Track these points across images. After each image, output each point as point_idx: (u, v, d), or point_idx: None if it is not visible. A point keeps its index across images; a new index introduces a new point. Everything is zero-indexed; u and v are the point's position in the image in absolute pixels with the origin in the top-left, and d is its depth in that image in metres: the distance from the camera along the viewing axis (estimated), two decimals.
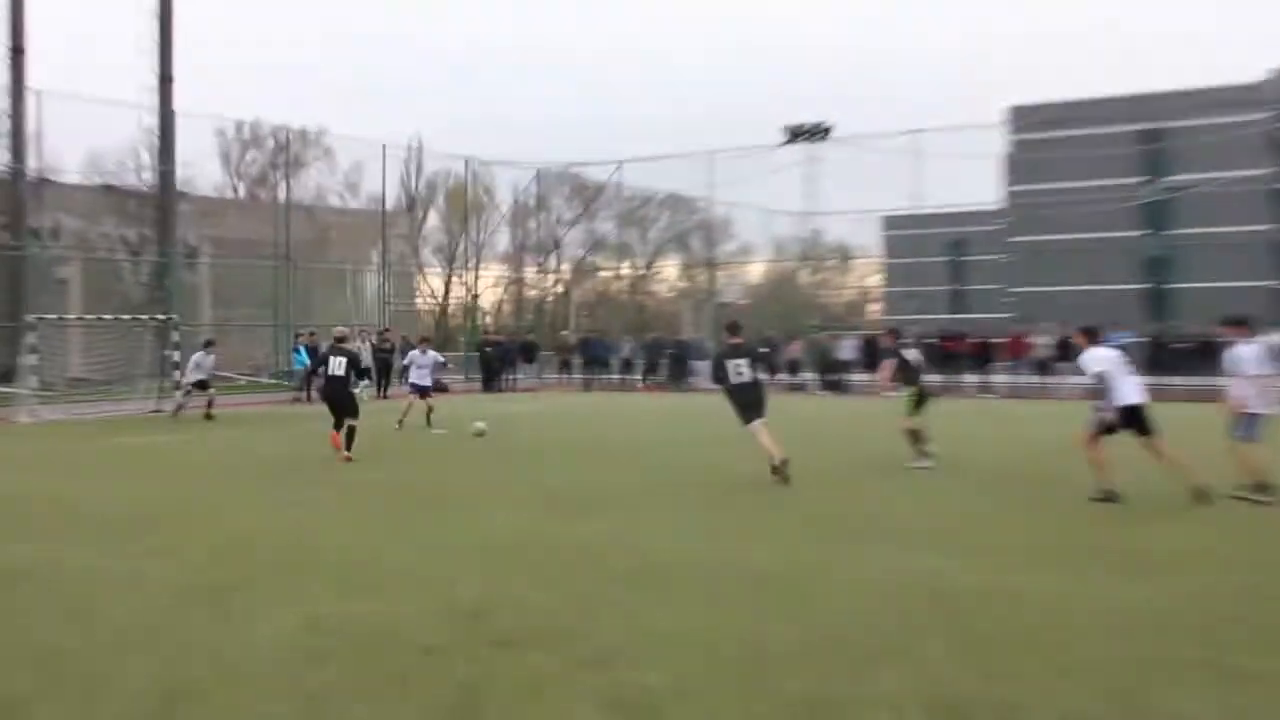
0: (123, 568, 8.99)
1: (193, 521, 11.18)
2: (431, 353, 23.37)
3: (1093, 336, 12.50)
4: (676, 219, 65.18)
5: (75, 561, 9.31)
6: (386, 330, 36.76)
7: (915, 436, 15.33)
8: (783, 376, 37.33)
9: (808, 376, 37.24)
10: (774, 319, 50.35)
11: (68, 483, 14.51)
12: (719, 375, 14.28)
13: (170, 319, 30.15)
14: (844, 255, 64.30)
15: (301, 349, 32.44)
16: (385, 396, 34.44)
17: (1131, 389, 12.07)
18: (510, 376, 39.40)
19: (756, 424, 14.01)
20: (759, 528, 10.76)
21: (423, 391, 22.66)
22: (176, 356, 29.28)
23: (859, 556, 9.34)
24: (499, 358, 38.89)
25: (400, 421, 22.22)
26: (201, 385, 26.11)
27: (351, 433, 16.99)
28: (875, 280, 74.48)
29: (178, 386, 26.88)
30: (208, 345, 26.90)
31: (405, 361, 24.35)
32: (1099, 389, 12.06)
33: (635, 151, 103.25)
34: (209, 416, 25.48)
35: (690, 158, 46.44)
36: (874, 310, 75.10)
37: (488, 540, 10.11)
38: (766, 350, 14.61)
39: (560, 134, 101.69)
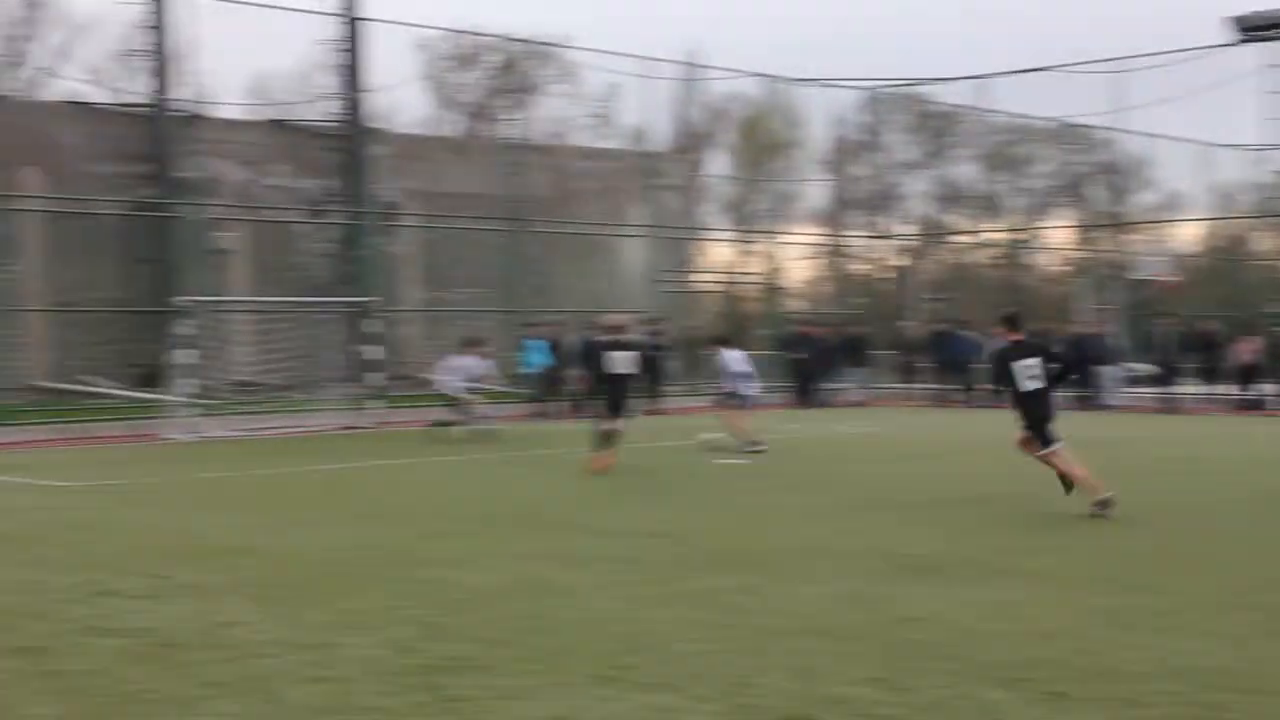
0: (309, 639, 9.40)
1: (400, 580, 11.62)
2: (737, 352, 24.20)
3: None
4: (1068, 159, 63.78)
5: (245, 628, 9.80)
6: (660, 321, 37.23)
7: None
8: (1227, 389, 36.08)
9: (1269, 390, 35.89)
10: (1216, 304, 48.66)
11: (236, 522, 15.32)
12: (1001, 380, 15.87)
13: (365, 303, 31.40)
14: None
15: (537, 344, 33.10)
16: (658, 411, 34.95)
17: None
18: (829, 385, 39.39)
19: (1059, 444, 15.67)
20: (1224, 612, 10.45)
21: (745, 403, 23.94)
22: (374, 353, 30.55)
23: None
24: (816, 359, 38.88)
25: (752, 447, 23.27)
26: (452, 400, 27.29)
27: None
28: None
29: (449, 399, 27.94)
30: (473, 345, 27.94)
31: (727, 364, 25.05)
32: None
33: (1006, 63, 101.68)
34: (440, 425, 26.88)
35: (1088, 70, 45.35)
36: None
37: (802, 615, 10.11)
38: (1056, 349, 16.12)
39: (899, 40, 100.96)
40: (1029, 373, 15.46)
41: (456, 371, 27.36)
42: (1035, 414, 15.59)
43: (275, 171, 41.26)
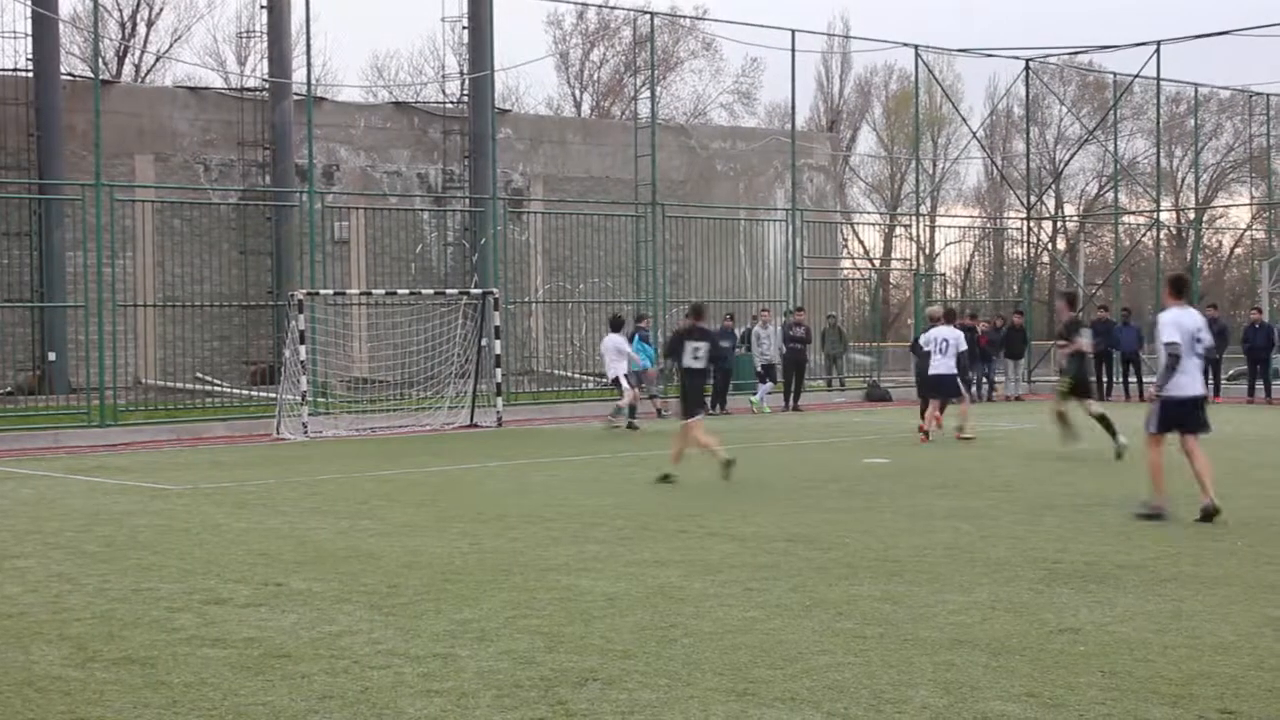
0: (425, 650, 9.52)
1: (522, 588, 11.73)
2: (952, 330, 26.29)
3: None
4: (1249, 131, 62.87)
5: (359, 638, 9.94)
6: (799, 310, 37.24)
7: (1063, 419, 22.41)
8: None
9: None
10: None
11: (351, 526, 15.54)
12: (673, 354, 20.27)
13: (488, 294, 31.66)
14: None
15: (638, 338, 32.85)
16: (798, 408, 35.02)
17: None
18: (986, 379, 39.09)
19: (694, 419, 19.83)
20: None
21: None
22: (498, 347, 30.80)
23: None
24: (970, 351, 38.61)
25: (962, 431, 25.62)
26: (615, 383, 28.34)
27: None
28: None
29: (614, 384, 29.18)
30: (620, 325, 28.94)
31: (923, 343, 26.36)
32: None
33: (1178, 28, 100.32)
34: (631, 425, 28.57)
35: (1272, 34, 44.58)
36: None
37: (951, 626, 10.10)
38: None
39: (1062, 4, 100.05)
40: (696, 352, 19.63)
41: (614, 353, 28.37)
42: (683, 390, 20.22)
43: (395, 156, 41.74)
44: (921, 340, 26.19)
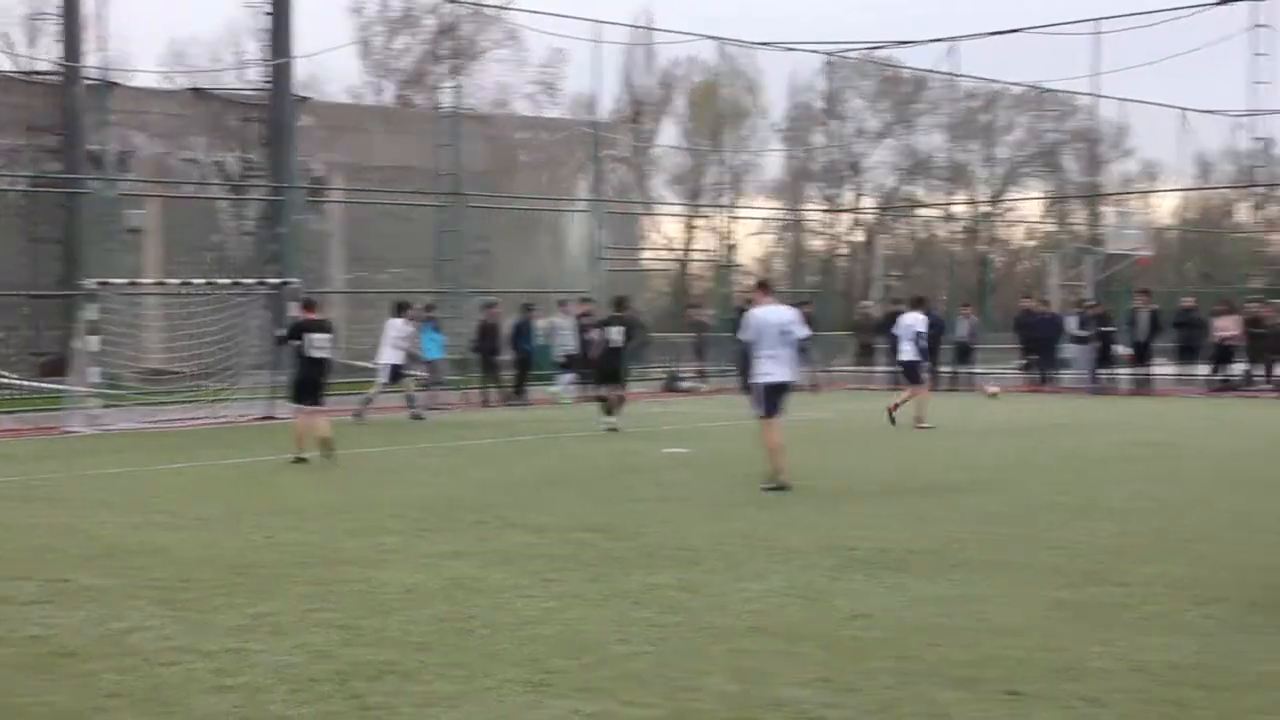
0: (217, 645, 9.37)
1: (317, 581, 11.60)
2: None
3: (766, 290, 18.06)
4: (1040, 126, 64.20)
5: (149, 634, 9.75)
6: (587, 302, 37.18)
7: (604, 402, 26.06)
8: (1204, 369, 36.35)
9: (1247, 369, 36.12)
10: (1196, 279, 49.01)
11: (141, 520, 15.26)
12: (291, 340, 20.97)
13: (286, 284, 31.30)
14: None
15: (431, 330, 32.54)
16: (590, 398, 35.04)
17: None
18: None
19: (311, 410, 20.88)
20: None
21: None
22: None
23: None
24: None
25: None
26: (395, 374, 28.90)
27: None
28: None
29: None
30: (403, 310, 28.78)
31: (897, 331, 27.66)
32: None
33: (975, 24, 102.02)
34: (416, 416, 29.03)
35: (1062, 32, 45.55)
36: None
37: (745, 613, 10.19)
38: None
39: (862, 1, 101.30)
40: (319, 344, 20.59)
41: (393, 342, 28.33)
42: (315, 379, 20.81)
43: (192, 144, 41.07)
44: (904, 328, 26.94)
